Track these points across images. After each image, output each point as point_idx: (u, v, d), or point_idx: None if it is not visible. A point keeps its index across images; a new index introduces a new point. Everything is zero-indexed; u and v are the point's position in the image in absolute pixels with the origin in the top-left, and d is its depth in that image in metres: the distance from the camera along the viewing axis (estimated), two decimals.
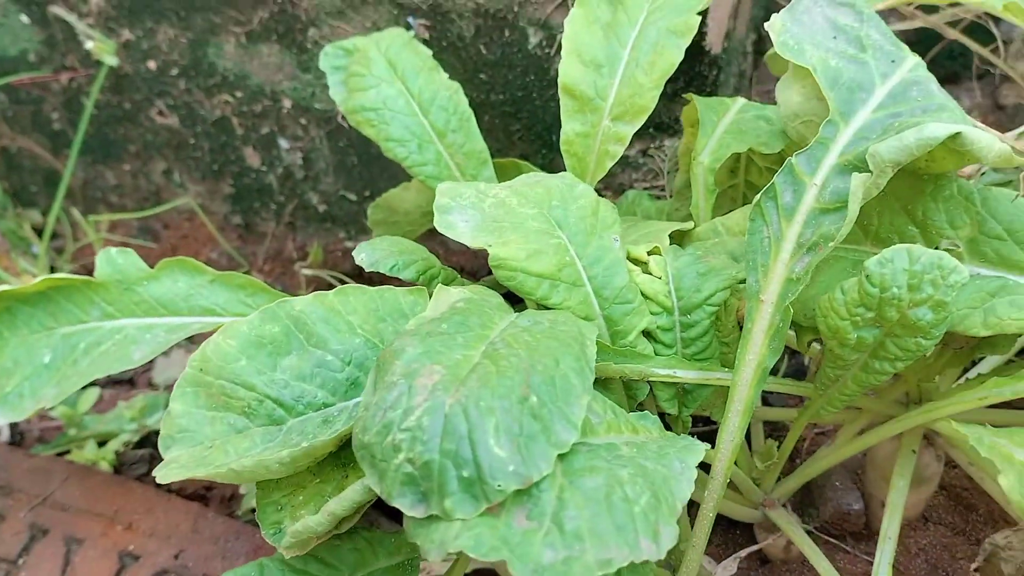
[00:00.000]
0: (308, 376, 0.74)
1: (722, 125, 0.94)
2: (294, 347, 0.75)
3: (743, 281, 0.80)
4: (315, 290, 1.54)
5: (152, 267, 0.94)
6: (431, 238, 1.45)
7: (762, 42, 1.38)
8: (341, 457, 0.73)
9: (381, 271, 0.84)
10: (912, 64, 0.86)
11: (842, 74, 0.83)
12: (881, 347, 0.76)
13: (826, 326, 0.77)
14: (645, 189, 1.26)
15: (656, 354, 0.80)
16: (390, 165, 1.36)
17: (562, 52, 0.92)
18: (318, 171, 1.41)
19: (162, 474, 0.70)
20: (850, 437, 0.94)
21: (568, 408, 0.61)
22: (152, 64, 1.37)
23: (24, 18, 1.41)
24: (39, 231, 1.68)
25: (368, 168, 1.38)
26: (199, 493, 1.12)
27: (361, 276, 1.53)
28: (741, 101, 0.99)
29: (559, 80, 0.92)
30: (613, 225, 0.79)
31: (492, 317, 0.68)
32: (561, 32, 1.15)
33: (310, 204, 1.46)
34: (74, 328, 0.91)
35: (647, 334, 0.80)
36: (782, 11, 0.86)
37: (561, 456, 0.60)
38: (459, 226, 0.76)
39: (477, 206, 0.78)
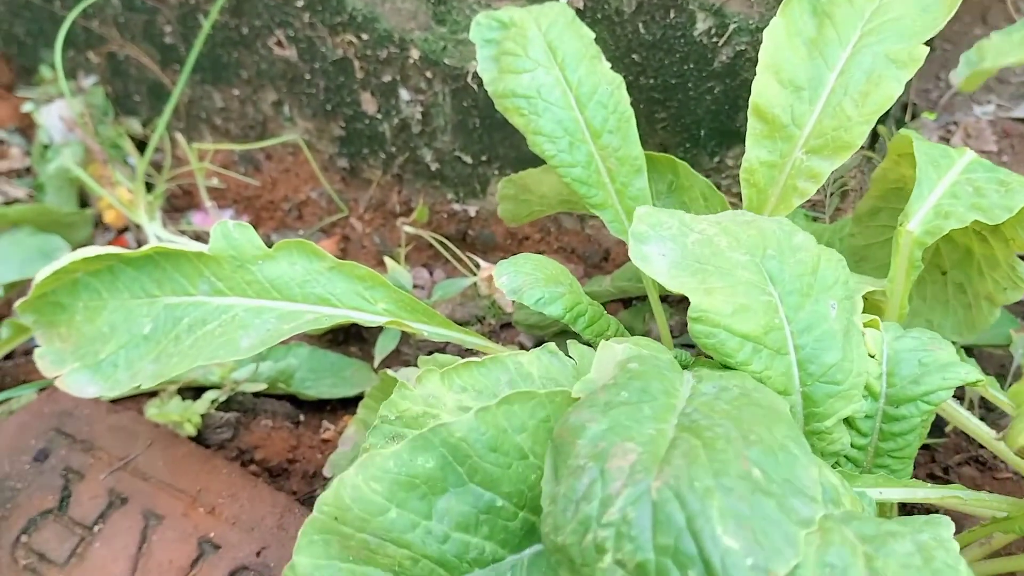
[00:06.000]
0: (473, 525, 0.60)
1: (941, 186, 0.78)
2: (451, 483, 0.60)
3: (974, 383, 0.69)
4: (415, 249, 1.48)
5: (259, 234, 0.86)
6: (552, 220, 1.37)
7: None
8: None
9: (524, 302, 0.75)
10: None
11: None
12: None
13: None
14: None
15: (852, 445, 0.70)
16: (513, 133, 1.26)
17: (758, 67, 0.80)
18: (436, 127, 1.32)
19: None
20: None
21: (799, 481, 0.49)
22: None
23: None
24: (136, 141, 1.62)
25: (489, 133, 1.28)
26: (282, 467, 1.07)
27: (464, 241, 1.45)
28: (970, 155, 0.83)
29: (751, 99, 0.80)
30: (834, 287, 0.68)
31: (672, 381, 0.58)
32: (735, 22, 1.03)
33: (422, 160, 1.37)
34: (179, 300, 0.84)
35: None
36: None
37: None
38: (655, 260, 0.66)
39: (678, 240, 0.68)
